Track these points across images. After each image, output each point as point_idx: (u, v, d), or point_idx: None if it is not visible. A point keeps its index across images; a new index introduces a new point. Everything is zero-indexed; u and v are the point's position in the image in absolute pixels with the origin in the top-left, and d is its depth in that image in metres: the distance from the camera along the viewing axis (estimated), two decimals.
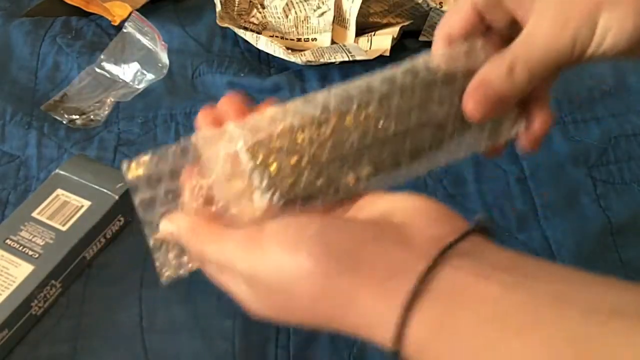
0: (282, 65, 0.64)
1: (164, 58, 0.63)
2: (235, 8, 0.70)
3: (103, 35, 0.69)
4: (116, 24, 0.68)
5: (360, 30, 0.66)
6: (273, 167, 0.30)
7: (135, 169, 0.32)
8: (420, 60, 0.33)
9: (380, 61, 0.62)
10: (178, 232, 0.32)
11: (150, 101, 0.61)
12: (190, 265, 0.33)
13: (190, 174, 0.32)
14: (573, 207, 0.51)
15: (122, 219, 0.50)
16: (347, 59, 0.62)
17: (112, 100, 0.61)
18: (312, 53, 0.63)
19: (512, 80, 0.31)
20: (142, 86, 0.63)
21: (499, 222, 0.50)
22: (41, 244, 0.46)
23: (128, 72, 0.64)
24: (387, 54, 0.64)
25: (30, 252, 0.46)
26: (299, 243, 0.27)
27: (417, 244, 0.27)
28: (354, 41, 0.65)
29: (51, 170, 0.53)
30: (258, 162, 0.30)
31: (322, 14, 0.66)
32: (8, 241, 0.46)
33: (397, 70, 0.33)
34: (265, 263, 0.28)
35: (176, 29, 0.68)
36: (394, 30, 0.65)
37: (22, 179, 0.55)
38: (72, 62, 0.65)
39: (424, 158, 0.33)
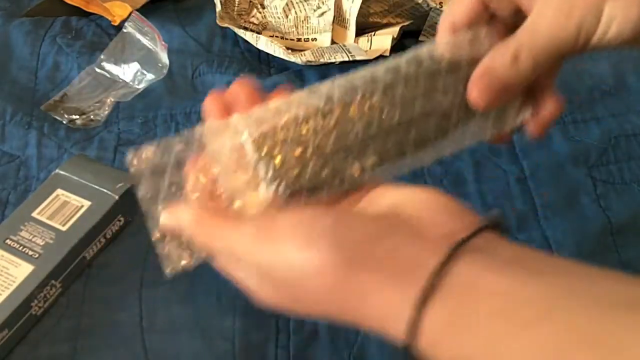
0: (282, 65, 0.64)
1: (164, 58, 0.63)
2: (235, 8, 0.70)
3: (103, 35, 0.69)
4: (116, 24, 0.68)
5: (360, 30, 0.66)
6: (278, 159, 0.30)
7: (140, 160, 0.32)
8: (424, 50, 0.33)
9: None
10: (182, 224, 0.31)
11: (150, 101, 0.61)
12: (195, 258, 0.33)
13: (195, 164, 0.32)
14: (573, 207, 0.51)
15: (122, 219, 0.50)
16: (347, 59, 0.62)
17: (112, 100, 0.61)
18: (312, 53, 0.63)
19: (516, 68, 0.31)
20: (142, 86, 0.63)
21: None
22: (41, 244, 0.46)
23: (128, 72, 0.64)
24: (387, 54, 0.64)
25: (30, 252, 0.46)
26: (312, 238, 0.27)
27: (430, 240, 0.27)
28: (354, 41, 0.65)
29: (51, 170, 0.53)
30: (263, 154, 0.30)
31: (322, 14, 0.66)
32: (8, 241, 0.46)
33: (401, 60, 0.33)
34: (278, 257, 0.28)
35: (176, 29, 0.68)
36: (394, 30, 0.65)
37: (22, 179, 0.55)
38: (72, 62, 0.65)
39: (429, 147, 0.33)
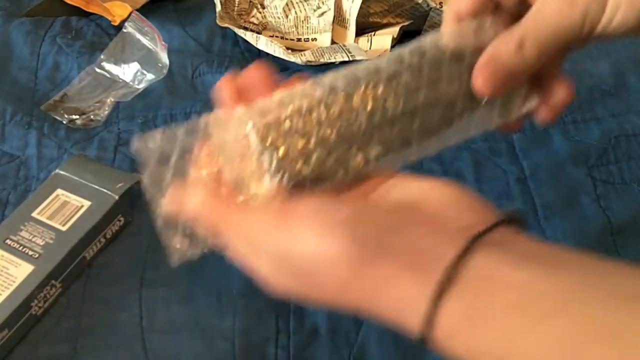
0: (282, 65, 0.64)
1: (164, 58, 0.63)
2: (235, 8, 0.70)
3: (103, 35, 0.69)
4: (116, 24, 0.68)
5: (360, 30, 0.66)
6: (282, 150, 0.31)
7: (146, 145, 0.32)
8: (427, 40, 0.33)
9: None
10: (190, 207, 0.31)
11: (150, 101, 0.61)
12: (200, 247, 0.33)
13: (202, 151, 0.32)
14: (573, 207, 0.51)
15: (122, 219, 0.50)
16: (347, 59, 0.61)
17: (112, 100, 0.61)
18: (312, 53, 0.63)
19: (521, 55, 0.31)
20: (142, 86, 0.63)
21: None
22: (41, 244, 0.46)
23: (128, 72, 0.64)
24: None
25: (30, 252, 0.46)
26: (330, 228, 0.27)
27: (448, 233, 0.27)
28: (354, 41, 0.65)
29: (51, 170, 0.53)
30: (267, 145, 0.30)
31: (322, 14, 0.66)
32: (8, 241, 0.46)
33: (404, 50, 0.33)
34: (296, 244, 0.28)
35: (176, 29, 0.68)
36: (394, 30, 0.65)
37: (22, 179, 0.55)
38: (72, 62, 0.65)
39: (433, 137, 0.33)
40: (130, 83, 0.63)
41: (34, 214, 0.48)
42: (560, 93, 0.34)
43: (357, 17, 0.64)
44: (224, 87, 0.33)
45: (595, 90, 0.60)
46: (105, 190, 0.49)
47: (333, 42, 0.66)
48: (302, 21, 0.67)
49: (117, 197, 0.49)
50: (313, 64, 0.62)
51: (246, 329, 0.44)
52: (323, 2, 0.66)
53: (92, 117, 0.60)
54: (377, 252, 0.27)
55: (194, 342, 0.44)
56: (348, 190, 0.32)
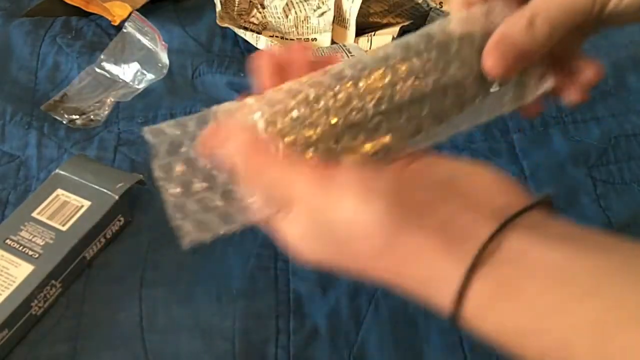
0: None
1: (164, 58, 0.63)
2: (235, 8, 0.70)
3: (103, 35, 0.69)
4: (116, 24, 0.68)
5: (360, 30, 0.66)
6: (289, 139, 0.31)
7: (157, 135, 0.32)
8: (436, 25, 0.33)
9: None
10: (234, 144, 0.30)
11: (150, 101, 0.61)
12: (213, 230, 0.33)
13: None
14: (573, 207, 0.51)
15: (122, 219, 0.50)
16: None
17: (112, 100, 0.61)
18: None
19: (532, 33, 0.31)
20: (142, 86, 0.63)
21: None
22: (41, 244, 0.46)
23: (128, 72, 0.64)
24: None
25: (30, 252, 0.46)
26: (368, 196, 0.27)
27: (484, 212, 0.27)
28: (354, 41, 0.65)
29: (51, 170, 0.53)
30: (275, 133, 0.31)
31: (322, 14, 0.66)
32: (8, 241, 0.46)
33: (412, 36, 0.32)
34: (334, 207, 0.28)
35: (176, 29, 0.68)
36: (394, 30, 0.65)
37: (22, 179, 0.55)
38: (72, 62, 0.65)
39: (444, 123, 0.33)
40: (130, 83, 0.63)
41: (34, 214, 0.48)
42: (588, 72, 0.34)
43: (357, 17, 0.64)
44: (265, 60, 0.33)
45: (595, 90, 0.60)
46: (105, 190, 0.49)
47: (333, 42, 0.66)
48: (302, 21, 0.67)
49: (117, 197, 0.49)
50: None
51: (246, 329, 0.44)
52: (323, 2, 0.66)
53: (92, 117, 0.60)
54: (411, 224, 0.27)
55: (194, 342, 0.44)
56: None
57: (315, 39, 0.67)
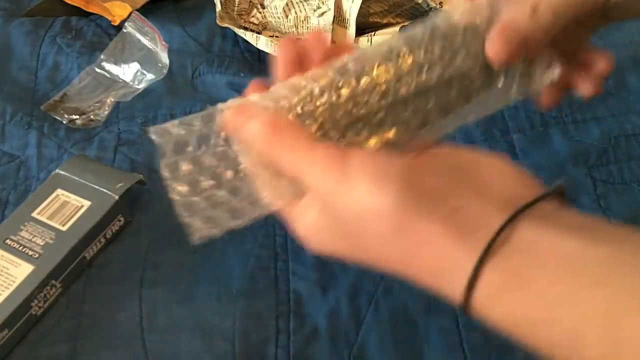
0: None
1: (164, 58, 0.63)
2: (235, 8, 0.70)
3: (103, 35, 0.69)
4: (116, 24, 0.68)
5: (360, 30, 0.66)
6: None
7: (162, 135, 0.32)
8: (440, 17, 0.33)
9: None
10: (257, 125, 0.30)
11: (150, 101, 0.61)
12: (222, 225, 0.33)
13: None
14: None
15: (122, 219, 0.50)
16: None
17: (112, 100, 0.61)
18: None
19: (535, 20, 0.31)
20: (142, 86, 0.63)
21: None
22: (41, 244, 0.46)
23: (128, 72, 0.64)
24: None
25: (30, 252, 0.46)
26: (383, 178, 0.27)
27: (495, 201, 0.27)
28: (354, 41, 0.65)
29: (51, 170, 0.53)
30: None
31: (322, 14, 0.66)
32: (8, 241, 0.46)
33: (416, 28, 0.32)
34: (347, 191, 0.28)
35: (176, 29, 0.68)
36: (394, 31, 0.65)
37: (22, 179, 0.55)
38: (72, 62, 0.65)
39: (451, 115, 0.33)
40: (130, 83, 0.63)
41: (34, 214, 0.48)
42: (600, 63, 0.34)
43: (357, 17, 0.64)
44: (286, 46, 0.33)
45: None
46: (105, 190, 0.49)
47: (333, 42, 0.66)
48: (302, 21, 0.67)
49: (117, 197, 0.49)
50: None
51: (246, 329, 0.44)
52: (323, 2, 0.66)
53: (92, 117, 0.60)
54: (422, 210, 0.27)
55: (194, 342, 0.44)
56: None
57: None
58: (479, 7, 0.33)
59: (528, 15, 0.31)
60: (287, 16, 0.67)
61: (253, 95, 0.32)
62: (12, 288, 0.44)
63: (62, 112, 0.61)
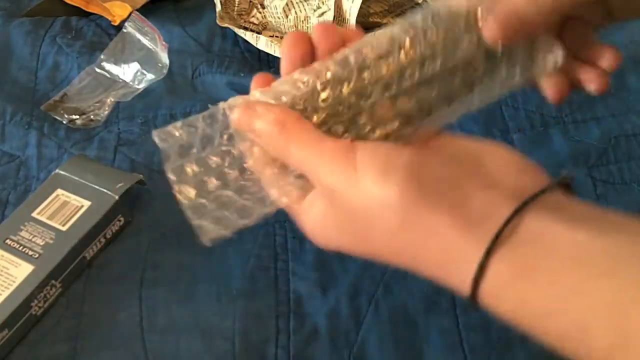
0: None
1: (164, 58, 0.63)
2: (235, 8, 0.70)
3: (103, 35, 0.69)
4: (116, 24, 0.68)
5: None
6: None
7: (166, 139, 0.31)
8: (439, 4, 0.33)
9: None
10: (264, 122, 0.30)
11: (150, 101, 0.61)
12: (232, 225, 0.33)
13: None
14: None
15: (122, 219, 0.50)
16: None
17: (112, 100, 0.61)
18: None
19: (535, 3, 0.31)
20: (142, 86, 0.63)
21: None
22: (41, 244, 0.46)
23: (128, 72, 0.64)
24: None
25: (30, 252, 0.46)
26: (389, 171, 0.27)
27: (502, 192, 0.27)
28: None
29: (51, 170, 0.53)
30: None
31: (322, 14, 0.66)
32: (8, 241, 0.46)
33: (416, 17, 0.32)
34: (354, 185, 0.28)
35: (176, 29, 0.68)
36: None
37: (22, 179, 0.55)
38: (72, 62, 0.65)
39: (455, 102, 0.33)
40: (130, 83, 0.63)
41: (34, 214, 0.48)
42: (606, 57, 0.34)
43: (357, 17, 0.64)
44: (286, 44, 0.33)
45: None
46: (105, 190, 0.49)
47: None
48: (302, 21, 0.67)
49: (117, 197, 0.49)
50: None
51: (246, 329, 0.44)
52: (323, 2, 0.66)
53: (92, 117, 0.60)
54: (428, 201, 0.27)
55: (194, 342, 0.44)
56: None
57: None
58: None
59: None
60: (287, 16, 0.67)
61: (255, 92, 0.32)
62: (12, 288, 0.44)
63: (62, 112, 0.61)
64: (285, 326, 0.45)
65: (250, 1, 0.70)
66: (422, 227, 0.27)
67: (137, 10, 0.68)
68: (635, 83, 0.61)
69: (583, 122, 0.57)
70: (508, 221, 0.26)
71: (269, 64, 0.66)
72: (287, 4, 0.67)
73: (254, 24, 0.69)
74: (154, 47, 0.64)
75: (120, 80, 0.64)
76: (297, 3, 0.67)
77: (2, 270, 0.45)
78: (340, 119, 0.31)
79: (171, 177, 0.32)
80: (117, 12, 0.69)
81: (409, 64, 0.31)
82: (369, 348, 0.43)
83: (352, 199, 0.28)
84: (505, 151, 0.30)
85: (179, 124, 0.32)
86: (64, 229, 0.47)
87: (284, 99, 0.31)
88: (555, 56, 0.34)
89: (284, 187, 0.31)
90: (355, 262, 0.47)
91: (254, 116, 0.31)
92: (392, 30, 0.32)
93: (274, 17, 0.68)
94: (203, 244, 0.32)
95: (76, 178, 0.50)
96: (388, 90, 0.31)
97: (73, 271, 0.47)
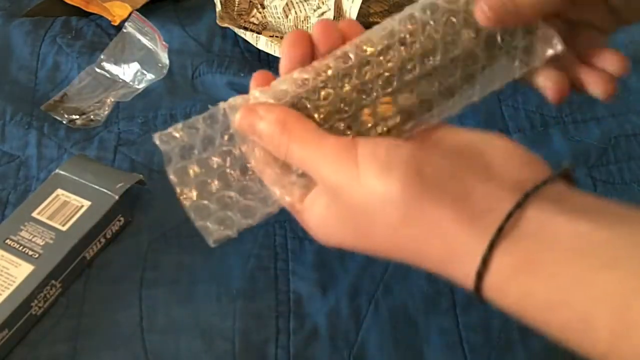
0: None
1: (164, 58, 0.63)
2: (235, 8, 0.70)
3: (103, 35, 0.69)
4: (116, 24, 0.68)
5: None
6: None
7: (167, 141, 0.31)
8: None
9: None
10: (265, 124, 0.30)
11: (150, 101, 0.61)
12: (236, 225, 0.33)
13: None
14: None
15: (122, 219, 0.50)
16: None
17: (112, 100, 0.61)
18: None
19: None
20: (142, 86, 0.63)
21: None
22: (41, 244, 0.46)
23: (128, 72, 0.64)
24: None
25: (30, 252, 0.46)
26: (390, 166, 0.27)
27: (503, 185, 0.27)
28: None
29: (51, 170, 0.53)
30: None
31: (322, 14, 0.66)
32: (8, 241, 0.46)
33: (416, 8, 0.32)
34: (356, 181, 0.28)
35: (176, 29, 0.68)
36: None
37: (22, 179, 0.55)
38: (72, 62, 0.65)
39: (456, 96, 0.33)
40: (130, 83, 0.63)
41: (34, 214, 0.48)
42: (614, 63, 0.34)
43: (357, 17, 0.64)
44: (286, 42, 0.33)
45: None
46: (105, 190, 0.49)
47: None
48: (302, 21, 0.67)
49: (117, 197, 0.49)
50: None
51: (246, 329, 0.44)
52: (323, 2, 0.66)
53: (92, 117, 0.60)
54: (430, 196, 0.27)
55: (194, 342, 0.44)
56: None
57: None
58: None
59: None
60: (287, 16, 0.67)
61: (255, 91, 0.32)
62: (12, 288, 0.44)
63: (62, 112, 0.61)
64: (285, 326, 0.45)
65: (250, 1, 0.70)
66: (424, 222, 0.27)
67: (137, 10, 0.68)
68: (635, 83, 0.61)
69: (583, 122, 0.57)
70: (510, 214, 0.26)
71: (269, 64, 0.66)
72: (287, 4, 0.67)
73: (254, 24, 0.69)
74: (154, 47, 0.64)
75: (120, 80, 0.64)
76: (297, 3, 0.67)
77: (2, 270, 0.45)
78: (342, 116, 0.31)
79: (173, 179, 0.32)
80: (117, 12, 0.69)
81: (410, 58, 0.31)
82: (369, 348, 0.43)
83: (354, 195, 0.28)
84: (506, 143, 0.30)
85: (179, 125, 0.32)
86: (64, 229, 0.47)
87: (284, 98, 0.31)
88: (554, 46, 0.34)
89: (286, 186, 0.31)
90: (355, 262, 0.47)
91: (256, 118, 0.31)
92: (392, 24, 0.32)
93: (274, 17, 0.68)
94: (207, 245, 0.33)
95: (76, 178, 0.50)
96: (389, 85, 0.31)
97: (73, 271, 0.47)
